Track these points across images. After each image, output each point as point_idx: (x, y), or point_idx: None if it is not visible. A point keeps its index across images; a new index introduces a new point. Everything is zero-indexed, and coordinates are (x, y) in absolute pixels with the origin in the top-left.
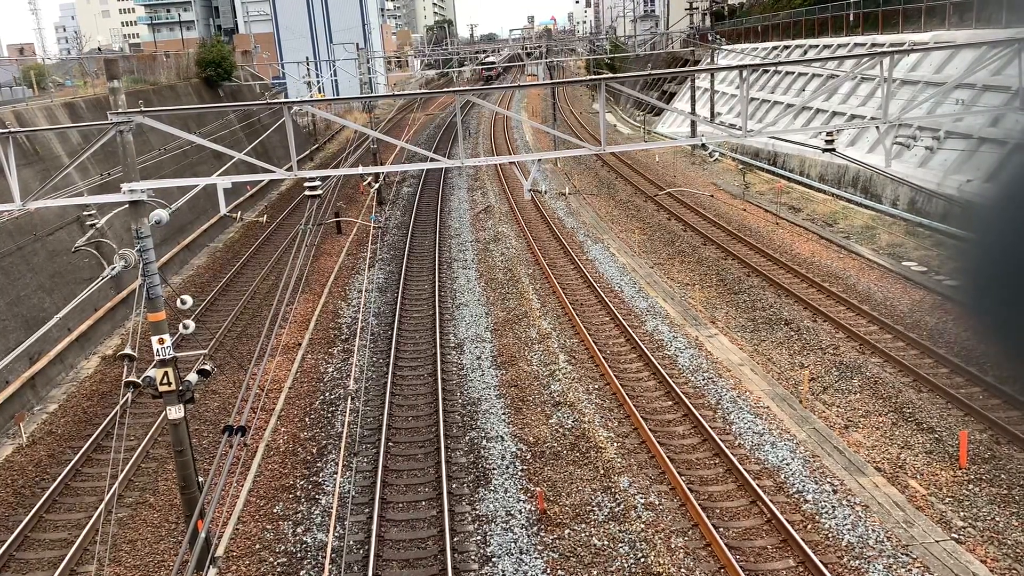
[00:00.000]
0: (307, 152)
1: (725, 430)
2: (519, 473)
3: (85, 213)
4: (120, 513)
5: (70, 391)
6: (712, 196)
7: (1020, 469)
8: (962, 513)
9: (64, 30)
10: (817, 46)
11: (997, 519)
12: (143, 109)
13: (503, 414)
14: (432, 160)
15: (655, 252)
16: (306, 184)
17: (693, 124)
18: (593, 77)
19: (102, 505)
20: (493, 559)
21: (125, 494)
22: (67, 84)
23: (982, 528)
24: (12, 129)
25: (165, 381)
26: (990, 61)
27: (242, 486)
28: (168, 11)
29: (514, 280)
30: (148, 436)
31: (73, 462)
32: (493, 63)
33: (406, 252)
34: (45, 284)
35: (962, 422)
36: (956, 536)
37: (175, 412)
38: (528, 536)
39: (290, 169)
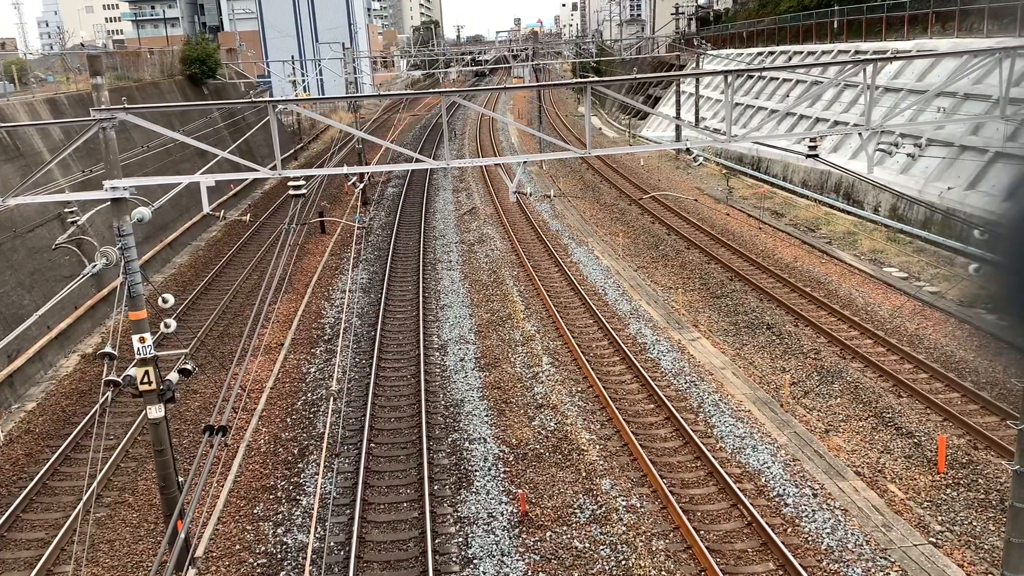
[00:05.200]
0: (291, 151)
1: (707, 433)
2: (501, 475)
3: (66, 210)
4: (99, 513)
5: (49, 389)
6: (696, 200)
7: (997, 474)
8: (940, 517)
9: (47, 25)
10: (801, 52)
11: (974, 524)
12: (126, 106)
13: (486, 416)
14: (417, 161)
15: (639, 255)
16: (290, 183)
17: (678, 128)
18: (579, 80)
19: (80, 505)
20: (474, 561)
21: (104, 494)
22: (49, 80)
23: (959, 532)
24: None
25: (146, 380)
26: (971, 70)
27: (222, 486)
28: (153, 8)
29: (498, 282)
30: (128, 435)
31: (51, 461)
32: (486, 60)
33: (390, 253)
34: (25, 281)
35: (940, 427)
36: (934, 540)
37: (155, 411)
38: (510, 538)
39: (274, 168)
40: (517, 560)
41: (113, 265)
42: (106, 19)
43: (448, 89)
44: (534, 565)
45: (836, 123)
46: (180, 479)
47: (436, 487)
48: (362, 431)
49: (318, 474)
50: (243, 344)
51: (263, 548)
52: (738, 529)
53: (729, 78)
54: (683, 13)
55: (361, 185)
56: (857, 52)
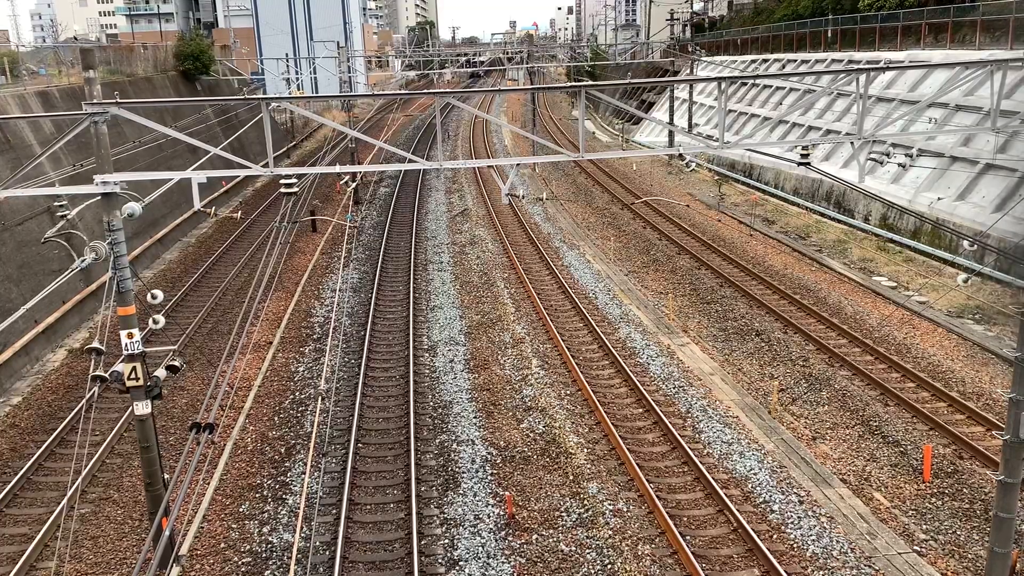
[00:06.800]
0: (284, 149)
1: (694, 439)
2: (489, 477)
3: (56, 204)
4: (83, 509)
5: (35, 384)
6: (688, 206)
7: (982, 484)
8: (924, 526)
9: (40, 18)
10: (795, 61)
11: (958, 532)
12: (119, 100)
13: (474, 418)
14: (410, 161)
15: (630, 260)
16: (282, 181)
17: (671, 134)
18: (574, 84)
19: (64, 500)
20: (460, 563)
21: (89, 490)
22: (41, 73)
23: (944, 541)
24: None
25: (133, 376)
26: (963, 81)
27: (208, 484)
28: (147, 2)
29: (489, 284)
30: (114, 432)
31: (36, 456)
32: (482, 62)
33: (381, 252)
34: (12, 275)
35: (926, 436)
36: (918, 549)
37: (142, 408)
38: (496, 540)
39: (266, 166)
40: (503, 563)
41: (102, 260)
42: (100, 13)
43: (443, 90)
44: (520, 568)
45: (828, 132)
46: (166, 476)
47: (423, 488)
48: (350, 431)
49: (305, 473)
50: (232, 342)
51: (248, 547)
52: (724, 535)
53: (723, 85)
54: (678, 19)
55: (353, 184)
56: (850, 61)
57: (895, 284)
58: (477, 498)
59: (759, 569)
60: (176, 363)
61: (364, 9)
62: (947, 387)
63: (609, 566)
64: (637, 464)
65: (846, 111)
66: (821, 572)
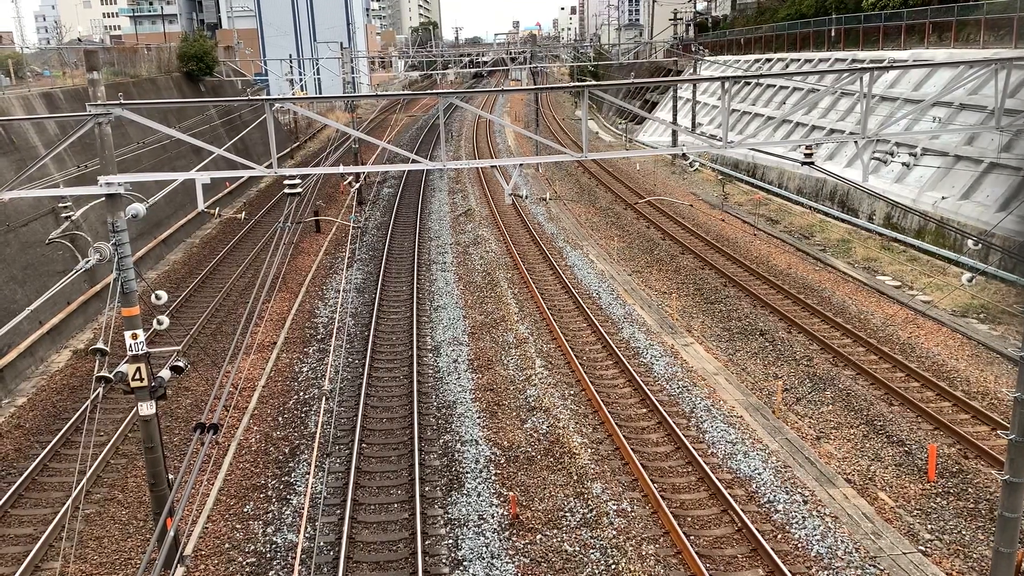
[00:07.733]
0: (288, 150)
1: (698, 439)
2: (492, 477)
3: (60, 205)
4: (87, 509)
5: (39, 385)
6: (691, 206)
7: (987, 483)
8: (929, 526)
9: (44, 19)
10: (799, 60)
11: (963, 532)
12: (123, 102)
13: (478, 418)
14: (414, 161)
15: (633, 260)
16: (286, 182)
17: (674, 134)
18: (577, 84)
19: (69, 501)
20: (464, 563)
21: (93, 490)
22: (45, 74)
23: (948, 541)
24: None
25: (137, 377)
26: (967, 80)
27: (212, 485)
28: (151, 4)
29: (493, 284)
30: (118, 432)
31: (40, 457)
32: (485, 62)
33: (385, 253)
34: (17, 276)
35: (931, 436)
36: (923, 548)
37: (146, 408)
38: (500, 541)
39: (270, 166)
40: (507, 563)
41: (106, 261)
42: (104, 14)
43: (446, 90)
44: (524, 568)
45: (832, 131)
46: (170, 477)
47: (427, 488)
48: (354, 431)
49: (309, 473)
50: (236, 342)
51: (252, 547)
52: (728, 535)
53: (726, 84)
54: (681, 19)
55: (357, 185)
56: (854, 60)
57: (899, 283)
58: (481, 498)
59: (763, 569)
60: (180, 363)
61: (367, 10)
62: (952, 386)
63: (613, 566)
64: (641, 464)
65: (850, 110)
66: (825, 572)
